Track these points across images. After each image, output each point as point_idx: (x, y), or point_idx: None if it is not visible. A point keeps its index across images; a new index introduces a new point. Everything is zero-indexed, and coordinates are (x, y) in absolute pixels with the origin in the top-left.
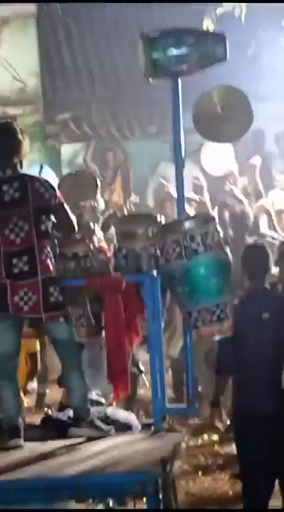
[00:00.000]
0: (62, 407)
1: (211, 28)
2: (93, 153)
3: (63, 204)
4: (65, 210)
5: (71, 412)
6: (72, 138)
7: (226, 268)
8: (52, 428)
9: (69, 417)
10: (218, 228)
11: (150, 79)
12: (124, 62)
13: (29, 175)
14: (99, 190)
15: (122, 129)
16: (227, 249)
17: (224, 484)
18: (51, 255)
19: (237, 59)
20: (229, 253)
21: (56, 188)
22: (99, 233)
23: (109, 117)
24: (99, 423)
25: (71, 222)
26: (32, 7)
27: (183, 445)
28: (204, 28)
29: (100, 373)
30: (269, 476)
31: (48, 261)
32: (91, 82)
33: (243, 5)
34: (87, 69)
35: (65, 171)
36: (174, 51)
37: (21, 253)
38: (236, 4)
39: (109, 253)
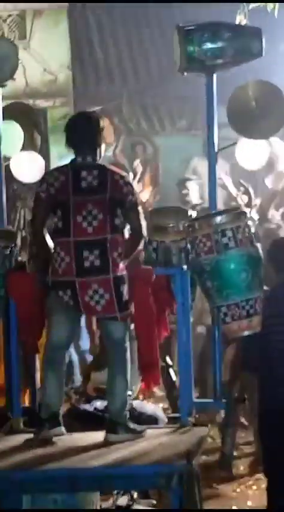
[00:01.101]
0: (88, 399)
1: (244, 23)
2: (123, 147)
3: (137, 205)
4: (138, 211)
5: (97, 404)
6: None
7: (257, 263)
8: (78, 419)
9: (95, 408)
10: (250, 223)
11: (185, 73)
12: (156, 55)
13: (109, 167)
14: None
15: (152, 122)
16: (259, 245)
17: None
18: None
19: (270, 54)
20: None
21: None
22: None
23: (140, 110)
24: (132, 425)
25: (140, 226)
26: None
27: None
28: (237, 22)
29: (131, 365)
30: None
31: (119, 257)
32: (122, 75)
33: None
34: (118, 62)
35: None
36: (209, 45)
37: (93, 245)
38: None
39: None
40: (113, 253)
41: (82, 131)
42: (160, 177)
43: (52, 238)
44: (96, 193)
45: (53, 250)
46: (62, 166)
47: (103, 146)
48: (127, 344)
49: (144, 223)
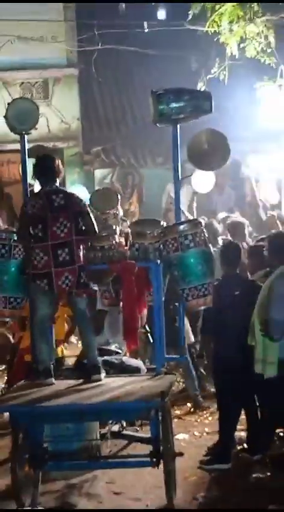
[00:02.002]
0: None
1: (203, 89)
2: (117, 176)
3: (89, 213)
4: (90, 217)
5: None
6: (102, 165)
7: (210, 258)
8: (82, 369)
9: None
10: (204, 230)
11: (157, 124)
12: (140, 110)
13: (55, 190)
14: (119, 202)
15: (138, 159)
16: (210, 245)
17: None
18: (81, 248)
19: (221, 110)
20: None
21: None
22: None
23: (129, 150)
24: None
25: (93, 225)
26: (75, 70)
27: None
28: (198, 88)
29: (118, 332)
30: (237, 408)
31: (81, 253)
32: (117, 124)
33: (226, 72)
34: (114, 115)
35: (97, 188)
36: (174, 104)
37: (64, 245)
38: (221, 71)
39: (126, 247)
40: (77, 250)
41: (46, 167)
42: (144, 197)
43: (33, 243)
44: (64, 209)
45: (32, 252)
46: (37, 193)
47: (60, 176)
48: (88, 312)
49: (95, 223)
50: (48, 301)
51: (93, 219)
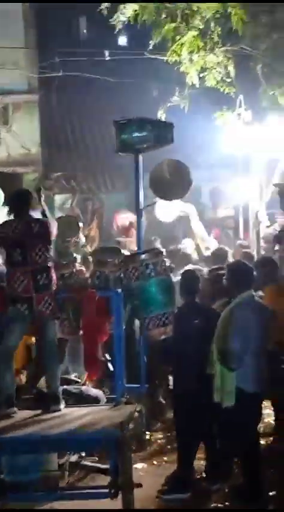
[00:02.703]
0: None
1: (164, 116)
2: (77, 201)
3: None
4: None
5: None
6: (62, 190)
7: (170, 287)
8: (42, 399)
9: None
10: (165, 259)
11: (120, 153)
12: (101, 136)
13: (33, 219)
14: (80, 230)
15: (98, 184)
16: (171, 274)
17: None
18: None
19: (181, 138)
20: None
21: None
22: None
23: (89, 175)
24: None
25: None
26: (35, 97)
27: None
28: (159, 116)
29: (79, 361)
30: (196, 437)
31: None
32: (77, 150)
33: (187, 100)
34: (74, 142)
35: (57, 214)
36: (137, 134)
37: (43, 270)
38: (182, 100)
39: (87, 275)
40: (53, 275)
41: (22, 204)
42: (104, 222)
43: (13, 267)
44: (40, 237)
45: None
46: (13, 220)
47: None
48: (56, 341)
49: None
50: (21, 329)
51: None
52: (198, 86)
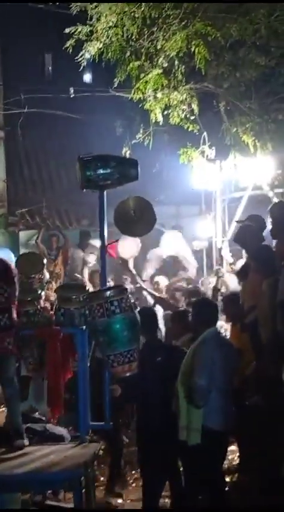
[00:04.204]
0: None
1: (128, 153)
2: (42, 237)
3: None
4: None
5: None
6: (27, 226)
7: (135, 324)
8: (3, 437)
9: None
10: (130, 296)
11: (84, 189)
12: (66, 173)
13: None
14: (45, 267)
15: (63, 221)
16: (136, 311)
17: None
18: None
19: (146, 174)
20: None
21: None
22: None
23: (55, 212)
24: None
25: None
26: (0, 133)
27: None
28: (123, 153)
29: (42, 399)
30: (161, 474)
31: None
32: (42, 187)
33: (151, 138)
34: (39, 178)
35: (22, 250)
36: (101, 171)
37: (4, 311)
38: (146, 137)
39: (52, 312)
40: (14, 315)
41: None
42: (69, 259)
43: None
44: (2, 277)
45: None
46: None
47: None
48: (15, 378)
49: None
50: None
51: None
52: (161, 123)
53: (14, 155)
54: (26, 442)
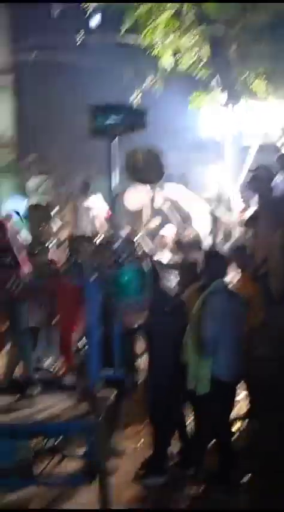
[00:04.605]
0: None
1: (138, 100)
2: (52, 184)
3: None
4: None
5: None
6: (36, 173)
7: (144, 275)
8: (15, 385)
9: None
10: (139, 247)
11: (93, 138)
12: (75, 119)
13: None
14: (53, 217)
15: (73, 167)
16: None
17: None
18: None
19: (154, 122)
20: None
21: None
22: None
23: (64, 158)
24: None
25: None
26: (8, 79)
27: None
28: (132, 101)
29: (53, 349)
30: (170, 420)
31: None
32: (52, 134)
33: (160, 85)
34: (49, 125)
35: (31, 197)
36: (110, 120)
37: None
38: (154, 84)
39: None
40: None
41: None
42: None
43: None
44: None
45: None
46: None
47: None
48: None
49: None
50: None
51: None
52: (170, 69)
53: (23, 101)
54: (37, 390)
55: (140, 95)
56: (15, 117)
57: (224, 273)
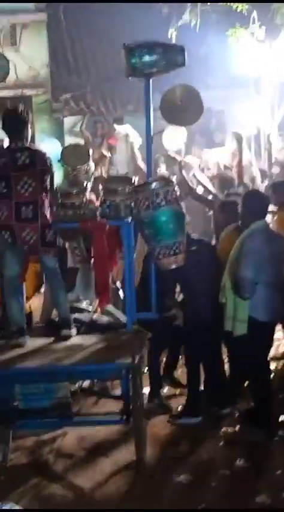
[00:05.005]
0: None
1: (174, 35)
2: (87, 124)
3: (52, 173)
4: (53, 176)
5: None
6: (71, 112)
7: (181, 217)
8: (52, 326)
9: None
10: (176, 188)
11: (130, 77)
12: (111, 57)
13: (35, 148)
14: (90, 158)
15: (108, 106)
16: (182, 204)
17: None
18: (48, 206)
19: (192, 57)
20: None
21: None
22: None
23: (99, 97)
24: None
25: (53, 185)
26: (43, 16)
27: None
28: (169, 35)
29: (90, 289)
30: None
31: (46, 211)
32: (87, 72)
33: (198, 17)
34: (84, 62)
35: (66, 137)
36: (147, 58)
37: (28, 204)
38: (193, 17)
39: (97, 204)
40: (42, 209)
41: (13, 123)
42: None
43: None
44: (28, 168)
45: None
46: (2, 150)
47: (29, 132)
48: (58, 269)
49: (56, 183)
50: (16, 258)
51: (54, 181)
52: (209, 3)
53: (57, 39)
54: (74, 331)
55: (175, 32)
56: (50, 55)
57: (265, 214)
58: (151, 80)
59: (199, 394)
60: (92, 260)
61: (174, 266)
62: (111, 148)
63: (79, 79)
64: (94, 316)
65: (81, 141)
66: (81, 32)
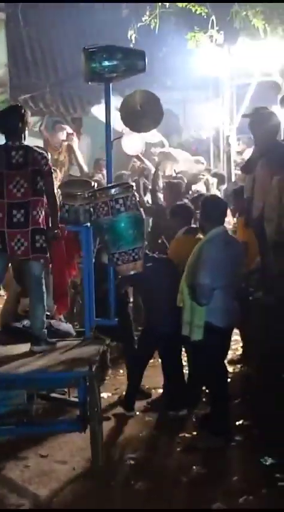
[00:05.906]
0: (18, 318)
1: (134, 37)
2: (46, 124)
3: (50, 171)
4: (51, 175)
5: (25, 322)
6: (30, 113)
7: (140, 223)
8: (10, 334)
9: (23, 326)
10: (135, 194)
11: (89, 82)
12: (71, 57)
13: (31, 146)
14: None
15: (68, 107)
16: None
17: None
18: (42, 210)
19: (152, 59)
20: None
21: (48, 158)
22: None
23: (59, 97)
24: (49, 339)
25: (52, 185)
26: (2, 15)
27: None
28: (129, 37)
29: (48, 295)
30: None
31: (38, 215)
32: (46, 72)
33: (157, 21)
34: (43, 63)
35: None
36: (106, 63)
37: (20, 206)
38: (152, 19)
39: None
40: (33, 212)
41: (11, 122)
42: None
43: None
44: (22, 167)
45: None
46: None
47: (26, 131)
48: (43, 279)
49: (55, 183)
50: (2, 263)
51: (53, 179)
52: (168, 5)
53: (16, 39)
54: (43, 348)
55: (135, 34)
56: (8, 55)
57: (223, 220)
58: (111, 85)
59: (135, 389)
60: (50, 265)
61: (132, 272)
62: (70, 149)
63: (39, 79)
64: (52, 322)
65: (40, 142)
66: (40, 33)
